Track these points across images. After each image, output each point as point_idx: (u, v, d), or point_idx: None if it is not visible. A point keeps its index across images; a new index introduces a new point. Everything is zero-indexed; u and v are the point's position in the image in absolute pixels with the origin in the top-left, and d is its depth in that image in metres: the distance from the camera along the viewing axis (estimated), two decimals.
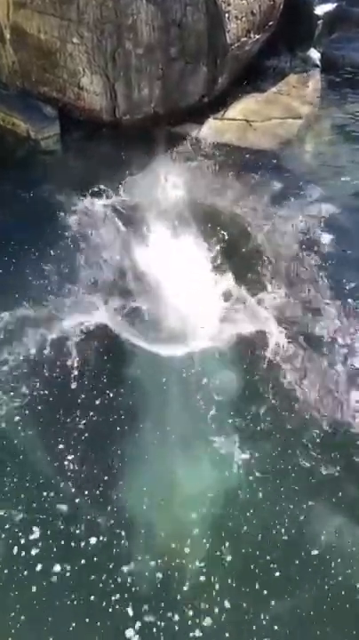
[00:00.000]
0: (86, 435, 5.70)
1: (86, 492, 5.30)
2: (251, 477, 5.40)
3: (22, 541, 5.00)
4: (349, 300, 6.74)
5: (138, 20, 8.04)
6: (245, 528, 5.12)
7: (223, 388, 6.07)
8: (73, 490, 5.31)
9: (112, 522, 5.13)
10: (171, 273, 6.93)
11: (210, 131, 8.98)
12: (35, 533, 5.04)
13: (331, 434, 5.70)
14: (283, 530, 5.11)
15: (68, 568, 4.88)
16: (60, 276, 7.03)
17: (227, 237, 7.44)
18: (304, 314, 6.65)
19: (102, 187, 8.02)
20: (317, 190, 8.07)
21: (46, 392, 6.01)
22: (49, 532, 5.06)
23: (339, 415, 5.83)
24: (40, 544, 4.99)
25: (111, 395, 6.02)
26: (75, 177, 8.25)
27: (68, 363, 6.21)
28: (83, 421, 5.78)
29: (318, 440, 5.64)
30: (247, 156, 8.61)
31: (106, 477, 5.42)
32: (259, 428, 5.75)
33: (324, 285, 6.90)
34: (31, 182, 8.21)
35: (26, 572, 4.84)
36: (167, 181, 8.20)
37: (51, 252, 7.26)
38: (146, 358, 6.32)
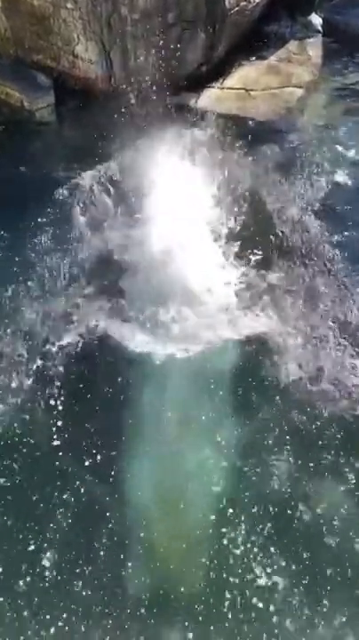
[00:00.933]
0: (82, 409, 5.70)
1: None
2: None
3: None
4: (350, 269, 6.73)
5: None
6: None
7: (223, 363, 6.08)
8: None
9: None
10: (171, 244, 6.83)
11: (208, 100, 8.77)
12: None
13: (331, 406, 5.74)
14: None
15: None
16: (55, 251, 6.93)
17: (229, 207, 7.32)
18: (308, 285, 6.63)
19: (98, 159, 7.89)
20: (319, 159, 7.95)
21: (41, 364, 6.00)
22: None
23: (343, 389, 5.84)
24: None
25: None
26: (71, 149, 8.08)
27: (64, 343, 6.15)
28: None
29: (317, 411, 5.70)
30: (247, 125, 8.43)
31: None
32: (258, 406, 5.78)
33: (328, 254, 6.88)
34: (26, 155, 8.04)
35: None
36: (164, 152, 7.99)
37: (46, 225, 7.14)
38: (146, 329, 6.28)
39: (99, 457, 5.41)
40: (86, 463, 5.36)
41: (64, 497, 5.20)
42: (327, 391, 5.82)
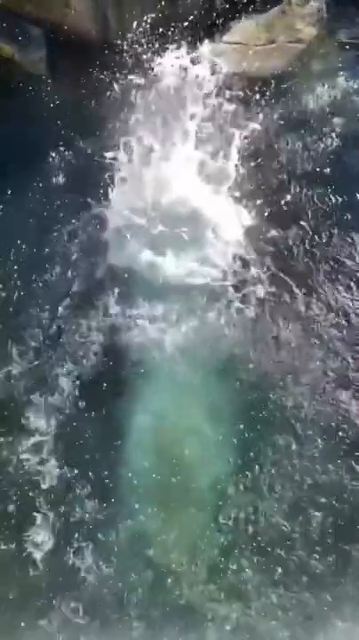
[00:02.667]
0: None
1: None
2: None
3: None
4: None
5: None
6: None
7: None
8: None
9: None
10: (173, 204, 6.64)
11: (206, 55, 8.38)
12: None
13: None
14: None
15: None
16: (45, 219, 6.74)
17: (229, 167, 7.12)
18: (314, 242, 6.57)
19: (91, 115, 7.64)
20: (324, 118, 7.70)
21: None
22: None
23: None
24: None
25: None
26: (63, 104, 7.77)
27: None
28: None
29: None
30: (247, 82, 8.07)
31: None
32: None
33: (336, 212, 6.78)
34: (15, 111, 7.71)
35: None
36: (161, 110, 7.71)
37: (37, 190, 6.94)
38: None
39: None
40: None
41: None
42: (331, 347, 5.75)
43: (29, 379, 5.55)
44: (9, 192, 6.84)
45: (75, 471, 5.09)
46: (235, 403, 5.48)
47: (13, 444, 5.20)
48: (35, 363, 5.65)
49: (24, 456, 5.15)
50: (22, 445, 5.20)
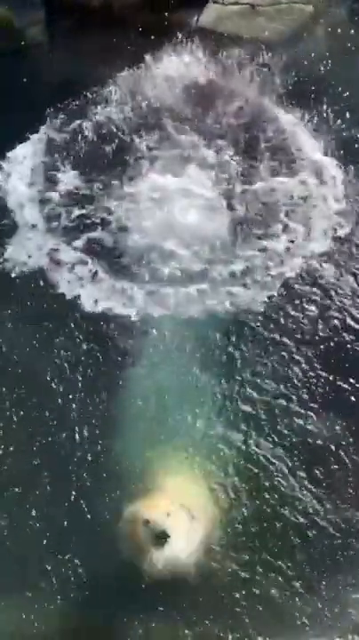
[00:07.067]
0: None
1: None
2: None
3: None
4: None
5: None
6: None
7: None
8: None
9: None
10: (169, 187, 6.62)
11: (210, 17, 8.08)
12: None
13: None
14: None
15: None
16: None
17: (227, 145, 6.92)
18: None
19: (92, 85, 7.42)
20: (331, 88, 7.35)
21: None
22: None
23: None
24: None
25: None
26: (63, 73, 7.55)
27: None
28: None
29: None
30: (252, 47, 7.73)
31: None
32: None
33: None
34: (14, 79, 7.56)
35: None
36: (164, 79, 7.52)
37: (34, 158, 6.86)
38: None
39: None
40: None
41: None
42: None
43: None
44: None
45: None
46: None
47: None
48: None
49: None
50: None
